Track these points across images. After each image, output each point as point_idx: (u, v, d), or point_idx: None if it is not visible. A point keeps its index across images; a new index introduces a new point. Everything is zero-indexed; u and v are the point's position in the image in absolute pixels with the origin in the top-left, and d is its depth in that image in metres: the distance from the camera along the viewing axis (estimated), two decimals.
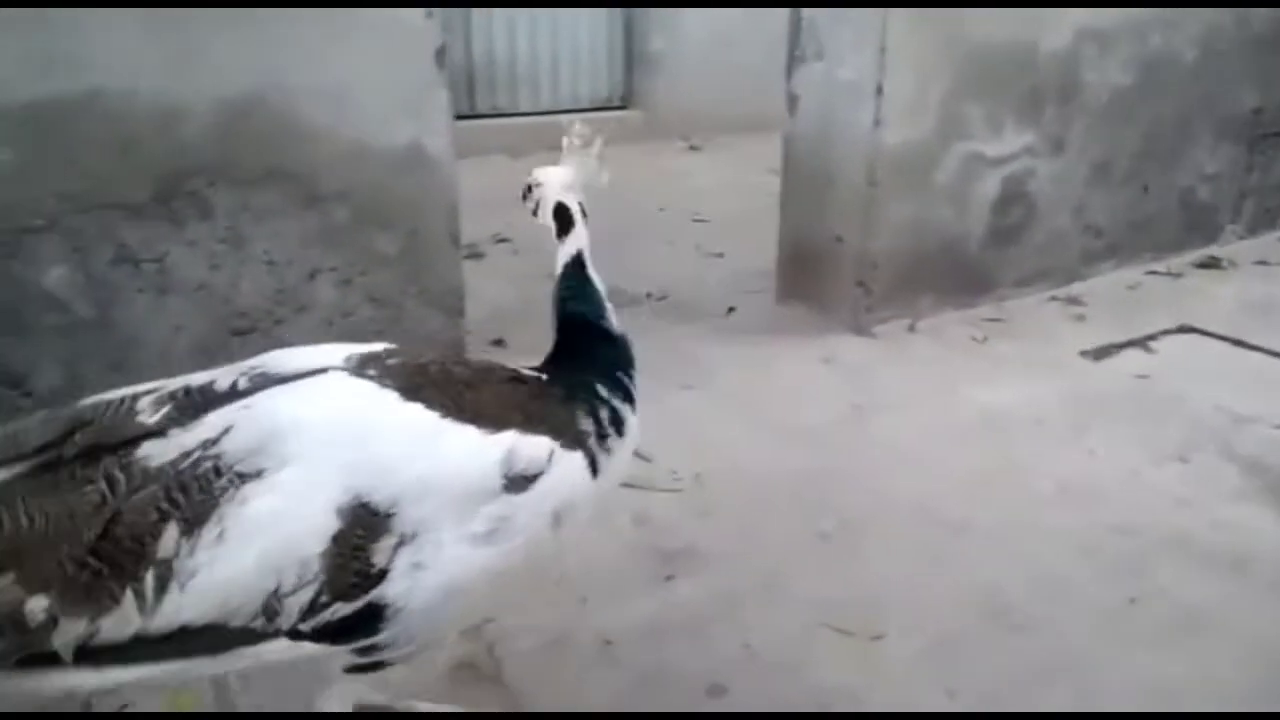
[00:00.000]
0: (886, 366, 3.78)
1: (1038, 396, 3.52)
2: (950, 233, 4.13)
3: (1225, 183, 5.18)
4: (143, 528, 1.28)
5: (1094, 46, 4.27)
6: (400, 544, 1.34)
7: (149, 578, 1.27)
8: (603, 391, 1.63)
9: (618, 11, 8.14)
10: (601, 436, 1.59)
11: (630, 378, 1.70)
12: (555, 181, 1.84)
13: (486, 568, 1.41)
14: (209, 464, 1.31)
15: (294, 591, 1.31)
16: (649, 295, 4.71)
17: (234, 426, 1.34)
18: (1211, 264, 5.05)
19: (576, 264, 1.80)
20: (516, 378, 1.62)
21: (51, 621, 1.24)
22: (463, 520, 1.38)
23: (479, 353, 3.91)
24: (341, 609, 1.34)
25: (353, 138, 2.76)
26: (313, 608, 1.32)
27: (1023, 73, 4.09)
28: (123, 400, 1.39)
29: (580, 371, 1.66)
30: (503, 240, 5.55)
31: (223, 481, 1.30)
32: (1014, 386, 3.59)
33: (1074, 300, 4.50)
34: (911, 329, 4.09)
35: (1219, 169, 5.11)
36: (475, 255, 5.29)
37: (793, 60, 3.98)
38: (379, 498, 1.34)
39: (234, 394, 1.39)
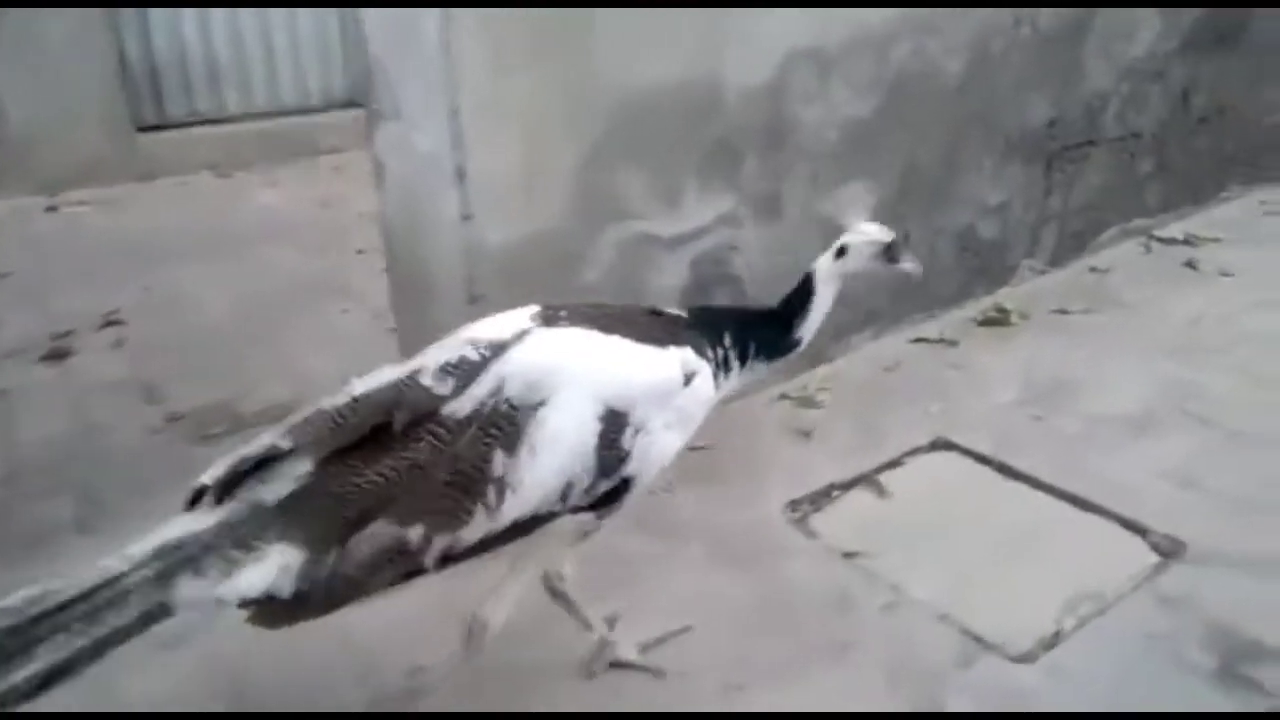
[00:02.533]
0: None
1: (693, 617, 2.46)
2: None
3: (1017, 212, 4.19)
4: (477, 457, 1.69)
5: (809, 72, 3.16)
6: (635, 433, 1.82)
7: (491, 491, 1.69)
8: (726, 340, 2.04)
9: None
10: (716, 365, 2.01)
11: (758, 354, 2.11)
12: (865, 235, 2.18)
13: (674, 447, 1.92)
14: (504, 405, 1.72)
15: (579, 478, 1.77)
16: (258, 415, 3.50)
17: (507, 378, 1.74)
18: (998, 319, 4.07)
19: (808, 280, 2.18)
20: (654, 312, 2.07)
21: (426, 542, 1.65)
22: (663, 412, 1.86)
23: None
24: (604, 485, 1.82)
25: None
26: (589, 488, 1.80)
27: (703, 120, 2.96)
28: (406, 383, 1.73)
29: (727, 325, 2.08)
30: (113, 323, 4.24)
31: (520, 414, 1.72)
32: (665, 597, 2.52)
33: (807, 401, 3.45)
34: None
35: (1006, 197, 4.11)
36: (56, 355, 3.99)
37: (371, 114, 2.77)
38: (620, 404, 1.80)
39: (486, 360, 1.76)
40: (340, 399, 1.73)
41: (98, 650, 1.47)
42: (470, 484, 1.67)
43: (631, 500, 1.91)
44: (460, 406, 1.70)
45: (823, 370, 3.61)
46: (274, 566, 1.57)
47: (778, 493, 2.94)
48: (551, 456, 1.73)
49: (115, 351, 4.03)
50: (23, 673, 1.42)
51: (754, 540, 2.74)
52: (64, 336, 4.13)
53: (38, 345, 4.06)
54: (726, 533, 2.76)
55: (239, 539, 1.59)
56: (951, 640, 2.36)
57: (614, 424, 1.78)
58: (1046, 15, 3.83)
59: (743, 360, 2.07)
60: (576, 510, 1.83)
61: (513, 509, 1.71)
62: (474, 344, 1.80)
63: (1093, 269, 4.54)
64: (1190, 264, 4.57)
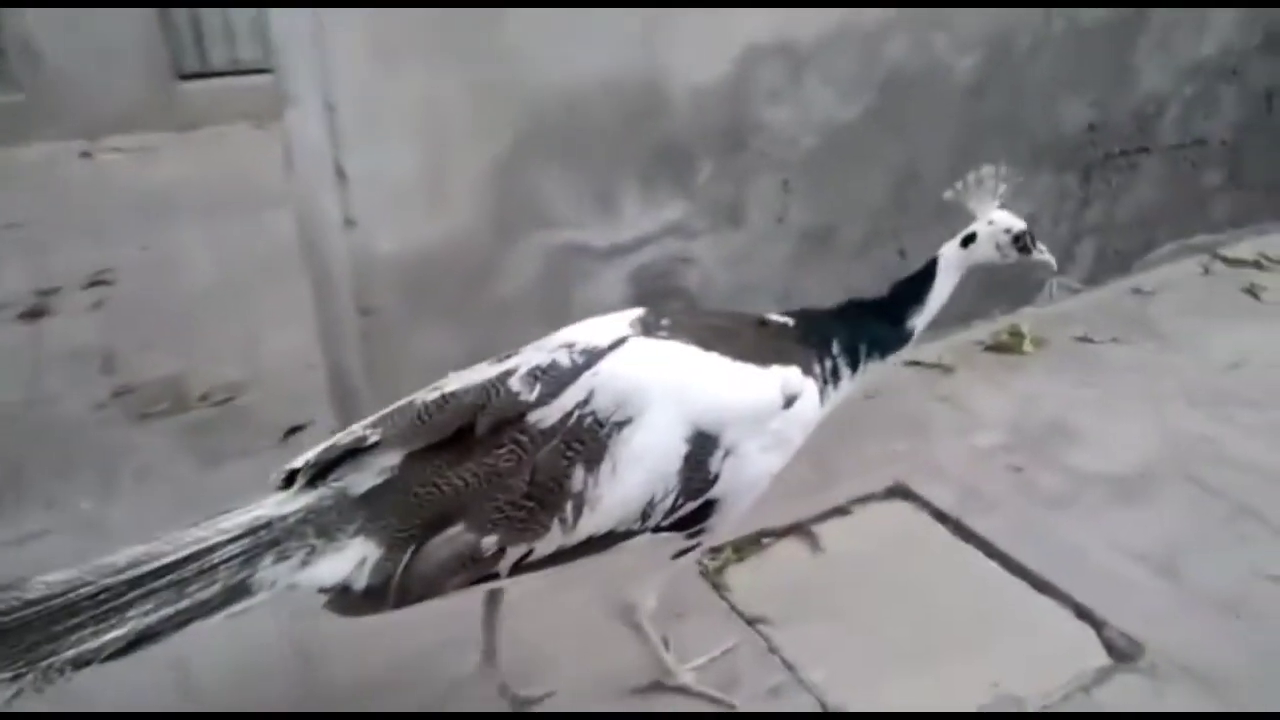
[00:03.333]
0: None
1: (548, 681, 2.25)
2: None
3: (1046, 225, 3.76)
4: (558, 471, 1.66)
5: (777, 70, 2.83)
6: (725, 455, 1.75)
7: (569, 507, 1.67)
8: (834, 348, 1.96)
9: None
10: (824, 380, 1.94)
11: (870, 354, 2.01)
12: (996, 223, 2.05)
13: (770, 470, 1.85)
14: (589, 419, 1.68)
15: (662, 499, 1.73)
16: (203, 398, 3.42)
17: (595, 390, 1.70)
18: (1008, 345, 3.67)
19: (931, 265, 2.07)
20: (761, 322, 1.98)
21: (500, 552, 1.65)
22: (758, 435, 1.79)
23: None
24: (688, 506, 1.76)
25: None
26: (671, 509, 1.74)
27: (644, 120, 2.67)
28: (495, 386, 1.72)
29: (836, 330, 1.98)
30: (100, 283, 4.22)
31: (605, 430, 1.68)
32: (522, 650, 2.31)
33: None
34: None
35: (1033, 209, 3.67)
36: (33, 314, 3.98)
37: (279, 95, 2.58)
38: (710, 425, 1.74)
39: (578, 369, 1.73)
40: (430, 394, 1.74)
41: (181, 621, 1.51)
42: (547, 497, 1.66)
43: (722, 523, 1.85)
44: (546, 415, 1.68)
45: None
46: (352, 559, 1.60)
47: None
48: (633, 476, 1.69)
49: (92, 314, 4.01)
50: (111, 634, 1.48)
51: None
52: (48, 294, 4.13)
53: (22, 301, 4.07)
54: (622, 576, 2.52)
55: (322, 527, 1.62)
56: None
57: (703, 446, 1.73)
58: (1089, 10, 3.36)
59: (854, 366, 1.99)
60: (657, 530, 1.77)
61: (588, 526, 1.69)
62: (569, 348, 1.77)
63: (1136, 290, 4.07)
64: (1252, 291, 4.05)
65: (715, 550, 2.64)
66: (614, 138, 2.64)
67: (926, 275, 2.06)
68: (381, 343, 2.49)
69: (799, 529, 2.73)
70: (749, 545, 2.68)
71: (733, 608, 2.46)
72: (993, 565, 2.60)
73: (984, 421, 3.21)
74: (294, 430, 3.18)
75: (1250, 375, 3.44)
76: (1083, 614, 2.42)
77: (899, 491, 2.88)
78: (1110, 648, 2.33)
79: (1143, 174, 3.93)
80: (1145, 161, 3.90)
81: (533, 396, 1.70)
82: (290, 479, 1.71)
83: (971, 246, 2.06)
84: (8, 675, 1.43)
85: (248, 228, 4.78)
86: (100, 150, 5.93)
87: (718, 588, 2.53)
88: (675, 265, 2.89)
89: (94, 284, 4.22)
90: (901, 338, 2.06)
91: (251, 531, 1.61)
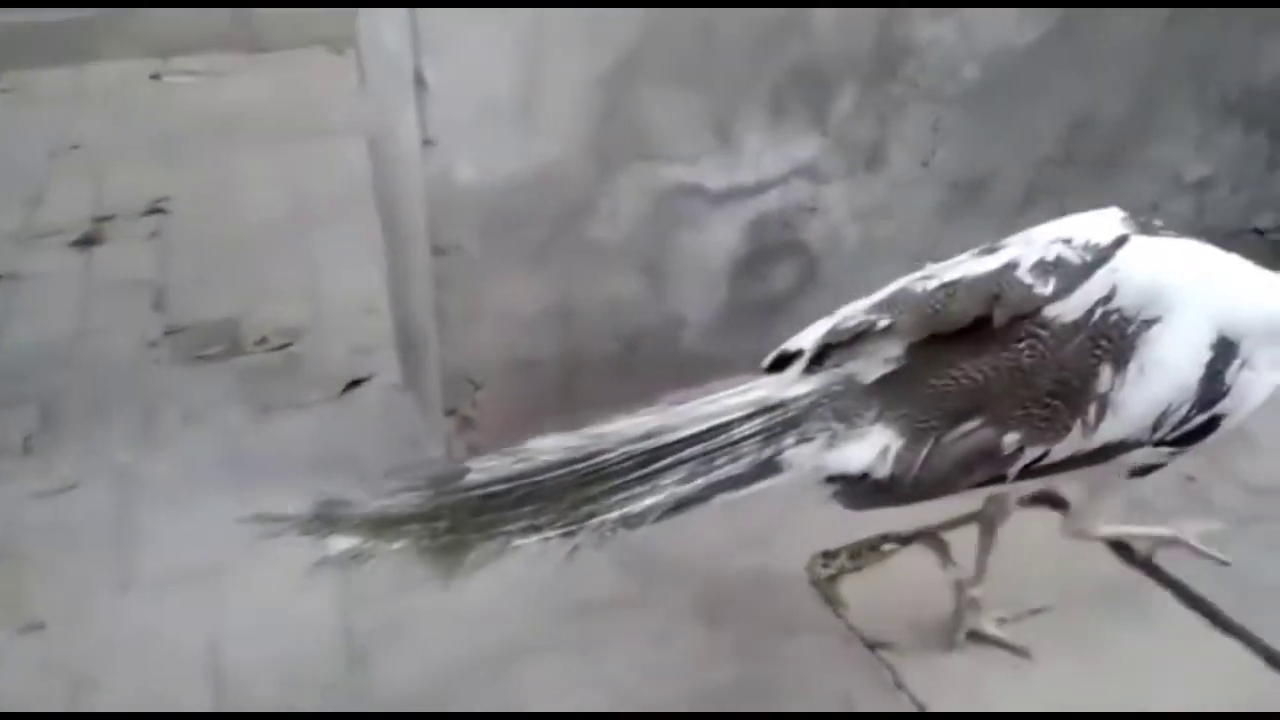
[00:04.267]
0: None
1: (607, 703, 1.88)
2: (643, 319, 2.39)
3: (1223, 191, 3.22)
4: (1085, 369, 1.57)
5: None
6: (1241, 366, 1.61)
7: (1093, 409, 1.57)
8: None
9: None
10: None
11: None
12: None
13: (1269, 391, 1.67)
14: (1115, 315, 1.57)
15: (1177, 408, 1.60)
16: (260, 342, 3.11)
17: (1119, 285, 1.58)
18: None
19: None
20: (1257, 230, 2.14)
21: (1018, 451, 1.58)
22: (1273, 348, 1.63)
23: None
24: (1198, 419, 1.63)
25: None
26: (1183, 420, 1.62)
27: (777, 40, 2.22)
28: (1003, 277, 1.60)
29: None
30: (157, 211, 3.93)
31: (1132, 328, 1.57)
32: (589, 669, 1.94)
33: None
34: None
35: (1210, 170, 3.14)
36: (87, 241, 3.71)
37: None
38: (1232, 332, 1.60)
39: (1088, 265, 1.60)
40: (927, 282, 1.66)
41: (711, 493, 1.51)
42: (1073, 397, 1.58)
43: (1215, 440, 1.71)
44: (1066, 310, 1.58)
45: None
46: (875, 447, 1.57)
47: (815, 536, 2.28)
48: (1158, 380, 1.59)
49: (147, 243, 3.73)
50: (651, 499, 1.48)
51: (755, 601, 2.12)
52: (103, 221, 3.86)
53: (77, 227, 3.81)
54: (723, 583, 2.14)
55: (840, 411, 1.58)
56: None
57: (1223, 353, 1.61)
58: None
59: None
60: (1157, 444, 1.66)
61: (1108, 431, 1.60)
62: (1066, 243, 1.65)
63: None
64: None
65: (829, 556, 2.24)
66: (741, 55, 2.20)
67: None
68: (456, 288, 2.12)
69: (928, 535, 2.30)
70: (868, 552, 2.27)
71: (850, 627, 2.06)
72: (1165, 595, 2.16)
73: None
74: (354, 384, 2.86)
75: None
76: (1273, 660, 1.97)
77: (1048, 498, 2.42)
78: None
79: None
80: None
81: (1049, 290, 1.59)
82: (778, 363, 1.67)
83: None
84: (558, 531, 1.45)
85: (316, 158, 4.43)
86: (170, 72, 5.65)
87: (831, 602, 2.13)
88: (799, 215, 2.45)
89: (151, 212, 3.93)
90: None
91: (765, 410, 1.57)
